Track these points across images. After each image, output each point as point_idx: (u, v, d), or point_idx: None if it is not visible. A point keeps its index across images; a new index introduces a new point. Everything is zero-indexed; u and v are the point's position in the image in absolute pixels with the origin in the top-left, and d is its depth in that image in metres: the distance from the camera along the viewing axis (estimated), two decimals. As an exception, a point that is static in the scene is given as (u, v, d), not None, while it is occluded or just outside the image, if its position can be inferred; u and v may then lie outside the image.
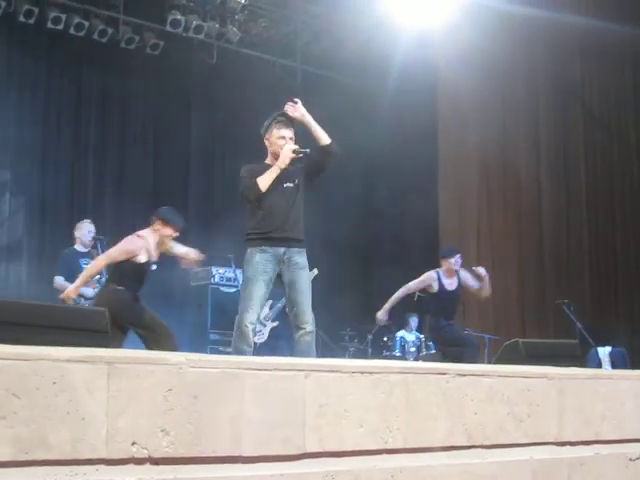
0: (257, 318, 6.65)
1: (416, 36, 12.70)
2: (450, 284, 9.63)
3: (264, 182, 6.63)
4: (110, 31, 12.21)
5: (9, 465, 2.82)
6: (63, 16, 11.77)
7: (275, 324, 11.37)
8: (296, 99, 6.88)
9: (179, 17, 12.58)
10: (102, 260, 7.60)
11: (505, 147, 13.84)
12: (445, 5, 12.32)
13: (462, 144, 14.13)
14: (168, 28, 12.62)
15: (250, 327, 6.49)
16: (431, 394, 4.02)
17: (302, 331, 6.55)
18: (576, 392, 4.67)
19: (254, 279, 6.56)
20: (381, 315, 9.63)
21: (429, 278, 9.59)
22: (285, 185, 6.74)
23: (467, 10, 12.26)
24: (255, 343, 10.99)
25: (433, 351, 12.54)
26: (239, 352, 6.39)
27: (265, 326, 11.21)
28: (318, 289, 11.86)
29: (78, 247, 9.46)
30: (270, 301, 11.38)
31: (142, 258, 7.42)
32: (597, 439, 4.71)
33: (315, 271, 11.27)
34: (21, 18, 11.51)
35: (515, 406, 4.35)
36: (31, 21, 11.60)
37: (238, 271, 10.61)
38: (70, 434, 2.95)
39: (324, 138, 6.77)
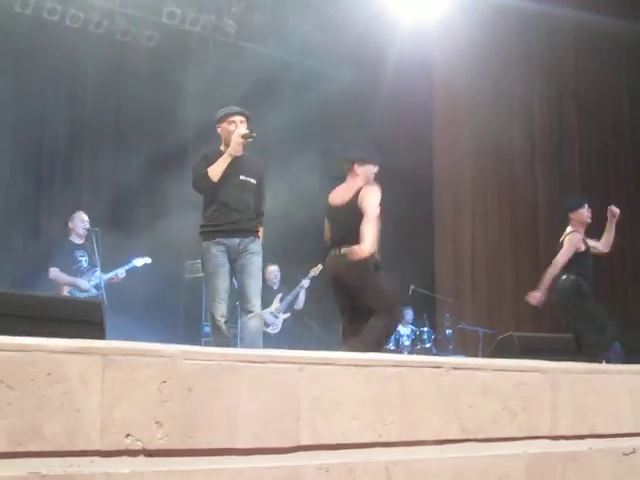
0: (227, 309, 6.53)
1: (412, 29, 12.70)
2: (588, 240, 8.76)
3: (215, 172, 6.51)
4: (106, 22, 12.18)
5: (3, 456, 2.82)
6: (59, 7, 11.73)
7: (287, 315, 11.46)
8: None
9: (175, 9, 12.54)
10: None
11: (500, 140, 13.85)
12: (440, -1, 12.32)
13: (457, 137, 14.14)
14: (164, 20, 12.58)
15: (222, 320, 6.43)
16: (426, 388, 4.02)
17: (250, 314, 6.46)
18: (570, 386, 4.68)
19: (215, 272, 6.51)
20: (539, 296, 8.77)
21: (577, 240, 8.61)
22: (242, 177, 6.62)
23: (462, 3, 12.27)
24: (269, 333, 11.28)
25: (427, 345, 12.56)
26: (218, 345, 6.26)
27: (277, 318, 11.34)
28: (315, 285, 11.94)
29: (73, 238, 9.45)
30: (280, 294, 11.45)
31: None
32: (591, 433, 4.72)
33: (319, 266, 11.40)
34: (17, 9, 11.48)
35: (509, 400, 4.35)
36: (27, 12, 11.56)
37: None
38: (64, 425, 2.95)
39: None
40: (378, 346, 6.75)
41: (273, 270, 11.64)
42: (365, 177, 7.14)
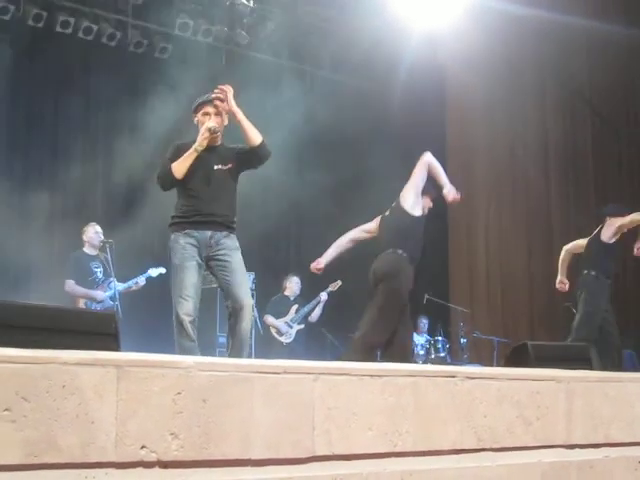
0: (195, 308, 6.02)
1: (424, 38, 12.71)
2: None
3: (179, 168, 6.16)
4: (119, 35, 12.22)
5: (18, 468, 2.83)
6: (72, 20, 11.77)
7: (301, 326, 11.48)
8: (228, 86, 6.32)
9: (187, 21, 12.58)
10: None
11: (513, 147, 13.85)
12: (452, 6, 12.31)
13: (470, 143, 14.14)
14: (177, 32, 12.63)
15: (187, 319, 5.94)
16: (440, 397, 4.02)
17: (242, 313, 6.01)
18: (585, 395, 4.67)
19: (182, 266, 6.06)
20: None
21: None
22: (216, 167, 6.25)
23: (474, 11, 12.26)
24: (282, 342, 11.25)
25: (442, 354, 12.54)
26: (182, 349, 5.88)
27: (292, 328, 11.35)
28: (336, 296, 11.95)
29: (87, 250, 9.46)
30: (296, 305, 11.46)
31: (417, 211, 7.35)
32: (606, 442, 4.70)
33: (339, 282, 11.44)
34: (30, 22, 11.52)
35: (524, 409, 4.34)
36: (40, 25, 11.61)
37: (247, 274, 10.61)
38: (79, 437, 2.95)
39: (253, 138, 6.24)
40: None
41: (295, 281, 11.64)
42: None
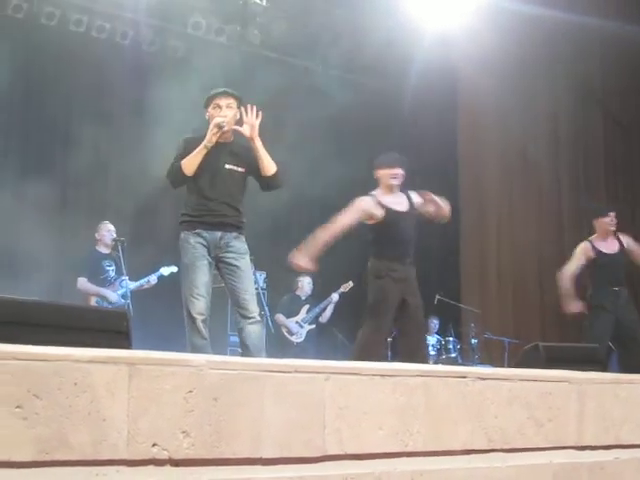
0: (206, 307, 5.99)
1: (436, 37, 12.68)
2: (607, 246, 8.86)
3: (189, 165, 6.05)
4: (131, 33, 12.24)
5: (30, 465, 2.83)
6: (85, 18, 11.80)
7: (312, 327, 11.50)
8: (260, 113, 6.25)
9: (200, 20, 12.59)
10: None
11: (525, 148, 13.80)
12: (465, 6, 12.29)
13: (482, 144, 14.11)
14: (189, 31, 12.64)
15: (200, 318, 5.91)
16: (451, 397, 4.02)
17: (250, 320, 6.00)
18: (597, 396, 4.66)
19: (193, 265, 6.01)
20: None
21: (585, 250, 8.90)
22: (227, 166, 6.18)
23: (487, 11, 12.23)
24: (293, 342, 11.26)
25: (453, 354, 12.52)
26: (194, 347, 5.86)
27: (302, 327, 11.38)
28: (347, 297, 11.95)
29: (100, 248, 9.50)
30: (307, 306, 11.47)
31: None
32: (617, 443, 4.69)
33: (350, 283, 11.45)
34: (43, 20, 11.55)
35: (535, 410, 4.34)
36: (53, 23, 11.63)
37: (258, 273, 10.63)
38: (91, 435, 2.95)
39: (267, 168, 6.21)
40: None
41: (307, 281, 11.65)
42: (383, 183, 7.32)
